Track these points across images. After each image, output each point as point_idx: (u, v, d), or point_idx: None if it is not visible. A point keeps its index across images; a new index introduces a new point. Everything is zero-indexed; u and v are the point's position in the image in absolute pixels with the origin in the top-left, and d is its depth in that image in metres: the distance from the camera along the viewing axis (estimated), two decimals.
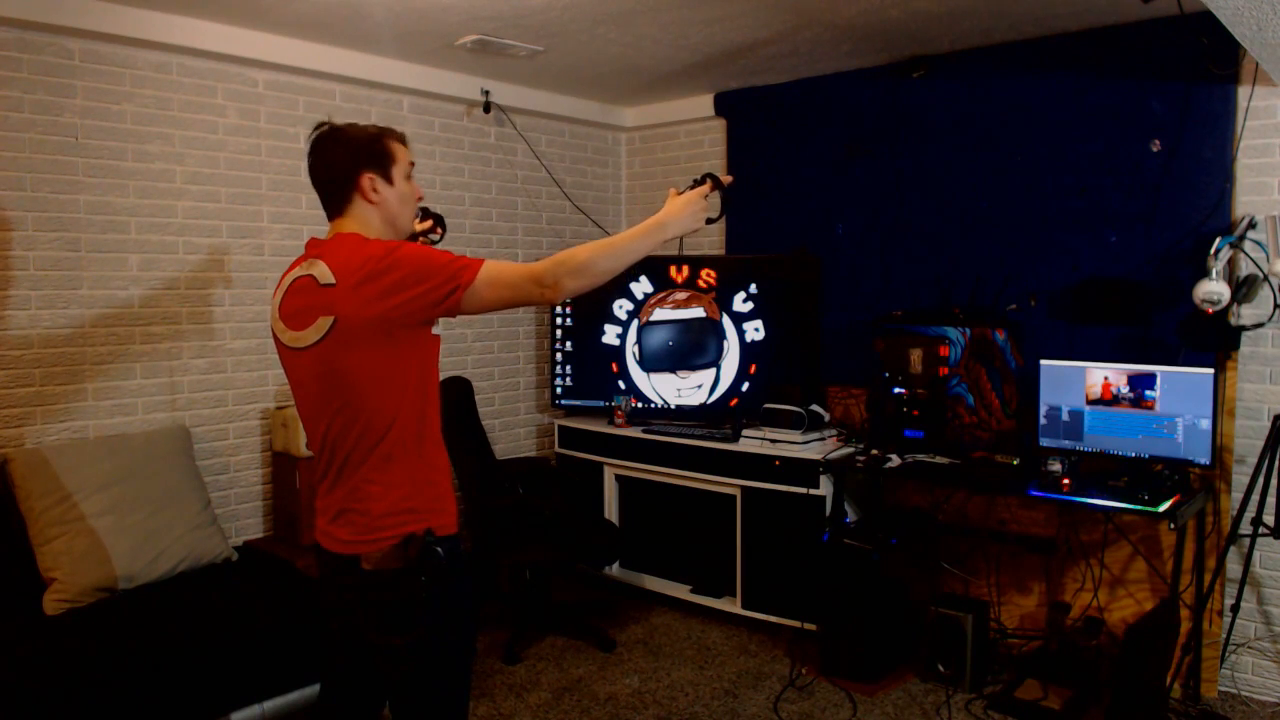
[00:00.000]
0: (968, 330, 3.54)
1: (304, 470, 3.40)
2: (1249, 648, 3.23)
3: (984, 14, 3.24)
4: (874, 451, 3.65)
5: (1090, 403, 3.23)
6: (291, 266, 1.89)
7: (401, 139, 1.92)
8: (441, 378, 2.32)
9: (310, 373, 1.81)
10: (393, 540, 1.79)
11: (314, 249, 1.85)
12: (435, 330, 1.82)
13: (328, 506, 1.86)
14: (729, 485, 3.89)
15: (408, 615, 1.79)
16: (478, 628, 3.57)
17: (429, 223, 2.45)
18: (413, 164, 1.93)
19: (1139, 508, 2.89)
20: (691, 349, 4.24)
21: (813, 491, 3.64)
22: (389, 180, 1.86)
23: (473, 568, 1.76)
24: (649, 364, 4.31)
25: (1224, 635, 3.22)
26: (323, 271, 1.77)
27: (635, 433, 4.17)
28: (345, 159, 1.84)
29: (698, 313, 4.23)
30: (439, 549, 1.78)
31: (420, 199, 1.97)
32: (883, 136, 3.99)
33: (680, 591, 4.12)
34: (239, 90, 3.50)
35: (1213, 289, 3.00)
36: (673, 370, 4.29)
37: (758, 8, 3.17)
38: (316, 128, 1.88)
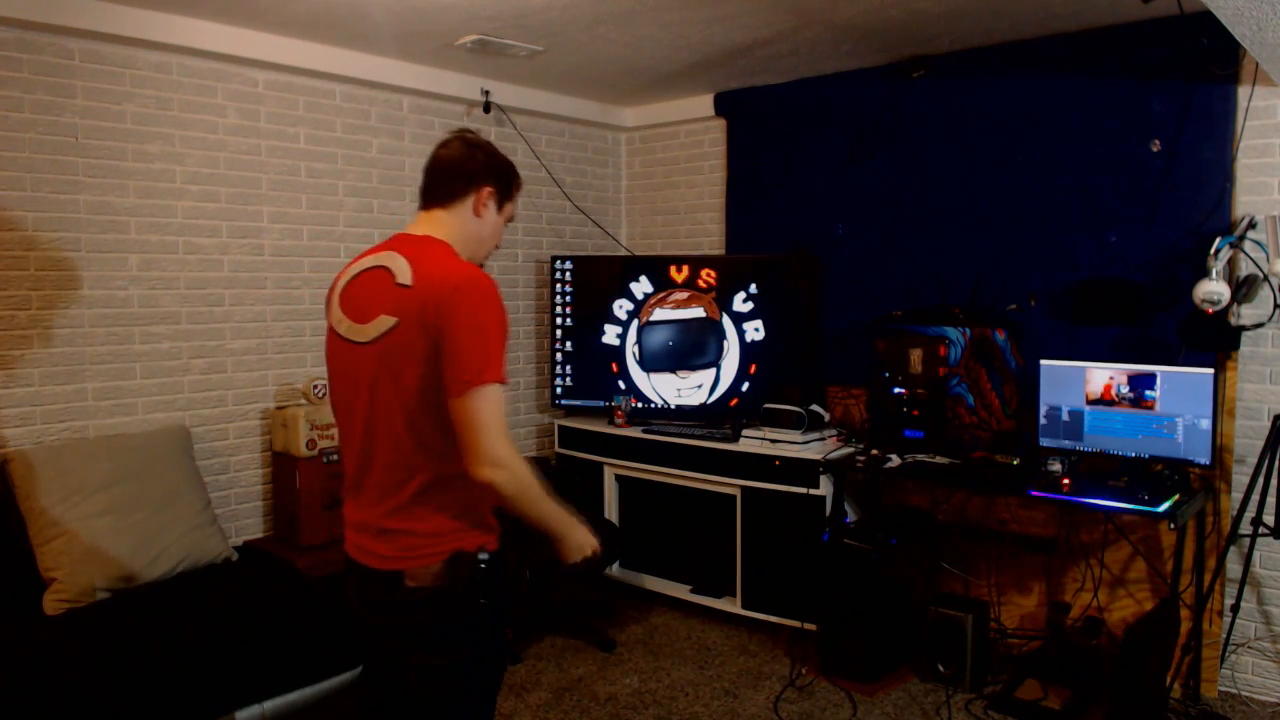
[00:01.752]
0: (968, 330, 3.54)
1: (304, 470, 3.40)
2: (1249, 648, 3.23)
3: (984, 14, 3.24)
4: (874, 451, 3.65)
5: (1090, 403, 3.23)
6: (364, 254, 1.82)
7: (521, 189, 1.96)
8: None
9: (360, 370, 1.72)
10: (440, 558, 1.70)
11: (398, 244, 1.77)
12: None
13: (364, 522, 1.77)
14: (729, 485, 3.89)
15: (452, 635, 1.72)
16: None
17: None
18: (513, 219, 1.96)
19: (1139, 508, 2.89)
20: (691, 349, 4.24)
21: (813, 491, 3.64)
22: (499, 208, 1.88)
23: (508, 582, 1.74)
24: (649, 364, 4.31)
25: (1224, 635, 3.22)
26: (401, 269, 1.70)
27: (635, 433, 4.17)
28: (482, 163, 1.84)
29: (698, 313, 4.23)
30: (490, 568, 1.72)
31: (498, 247, 1.96)
32: (883, 136, 3.99)
33: (680, 591, 4.12)
34: (239, 90, 3.50)
35: (1213, 289, 3.00)
36: (673, 370, 4.29)
37: (758, 8, 3.17)
38: (459, 130, 1.91)
